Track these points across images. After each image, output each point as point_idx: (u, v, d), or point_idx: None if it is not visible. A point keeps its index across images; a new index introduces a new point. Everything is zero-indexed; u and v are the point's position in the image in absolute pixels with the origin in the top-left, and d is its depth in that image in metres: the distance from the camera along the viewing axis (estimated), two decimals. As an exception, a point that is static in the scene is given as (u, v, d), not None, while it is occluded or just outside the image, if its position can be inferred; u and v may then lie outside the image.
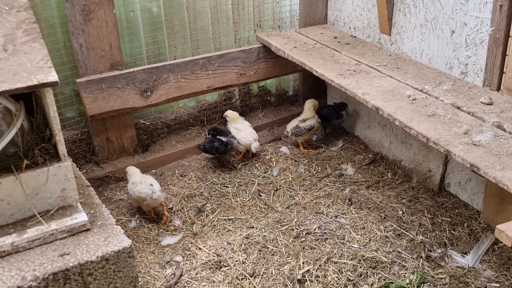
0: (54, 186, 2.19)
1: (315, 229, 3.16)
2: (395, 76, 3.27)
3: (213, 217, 3.38)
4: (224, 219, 3.37)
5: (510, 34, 2.80)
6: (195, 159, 4.05)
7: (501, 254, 2.95)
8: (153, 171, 3.89)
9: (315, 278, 2.78)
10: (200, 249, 3.06)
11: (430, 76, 3.25)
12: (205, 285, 2.76)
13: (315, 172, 3.87)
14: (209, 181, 3.78)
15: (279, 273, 2.83)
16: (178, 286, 2.77)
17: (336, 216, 3.31)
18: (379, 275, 2.80)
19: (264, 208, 3.47)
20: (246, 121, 4.09)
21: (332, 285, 2.73)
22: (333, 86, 3.27)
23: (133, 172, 3.39)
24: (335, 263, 2.88)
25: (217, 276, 2.83)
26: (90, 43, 3.44)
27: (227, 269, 2.87)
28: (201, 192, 3.64)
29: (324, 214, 3.33)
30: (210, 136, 3.89)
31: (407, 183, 3.71)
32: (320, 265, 2.86)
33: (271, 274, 2.83)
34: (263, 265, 2.89)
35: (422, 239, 3.07)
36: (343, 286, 2.72)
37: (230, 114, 4.05)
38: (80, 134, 3.75)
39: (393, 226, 3.20)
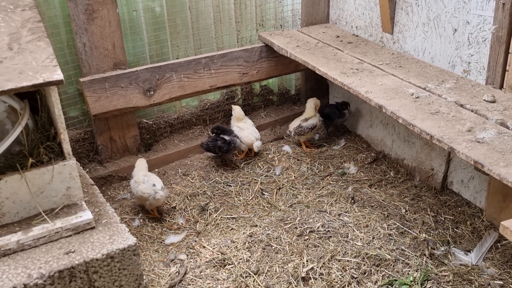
0: (59, 185, 2.19)
1: (318, 227, 3.17)
2: (398, 74, 3.28)
3: (216, 216, 3.39)
4: (228, 217, 3.38)
5: (513, 32, 2.81)
6: (198, 158, 4.06)
7: (504, 251, 2.96)
8: (156, 170, 3.89)
9: (319, 275, 2.78)
10: (204, 247, 3.06)
11: (433, 74, 3.25)
12: (209, 283, 2.77)
13: (317, 171, 3.88)
14: (212, 180, 3.78)
15: (283, 271, 2.84)
16: (182, 284, 2.78)
17: (339, 215, 3.32)
18: (383, 273, 2.80)
19: (267, 207, 3.48)
20: (249, 120, 4.10)
21: (336, 282, 2.74)
22: (335, 85, 3.28)
23: (139, 168, 3.40)
24: (339, 261, 2.89)
25: (222, 274, 2.83)
26: (94, 43, 3.45)
27: (231, 267, 2.87)
28: (204, 191, 3.65)
29: (327, 213, 3.33)
30: (213, 134, 3.89)
31: (410, 181, 3.72)
32: (324, 263, 2.86)
33: (275, 272, 2.83)
34: (267, 263, 2.90)
35: (425, 237, 3.08)
36: (347, 284, 2.73)
37: (238, 110, 4.05)
38: (84, 133, 3.76)
39: (396, 224, 3.21)
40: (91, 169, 3.72)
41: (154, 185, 3.23)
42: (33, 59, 2.05)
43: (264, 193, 3.63)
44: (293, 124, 4.14)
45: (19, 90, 1.90)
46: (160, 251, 3.07)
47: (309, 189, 3.65)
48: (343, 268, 2.83)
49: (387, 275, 2.79)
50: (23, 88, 1.90)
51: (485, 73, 3.04)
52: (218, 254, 2.98)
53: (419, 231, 3.14)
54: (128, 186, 3.68)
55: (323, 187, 3.66)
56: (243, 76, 4.16)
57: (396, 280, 2.74)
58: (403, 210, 3.35)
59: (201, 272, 2.86)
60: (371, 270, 2.82)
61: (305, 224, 3.21)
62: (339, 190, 3.61)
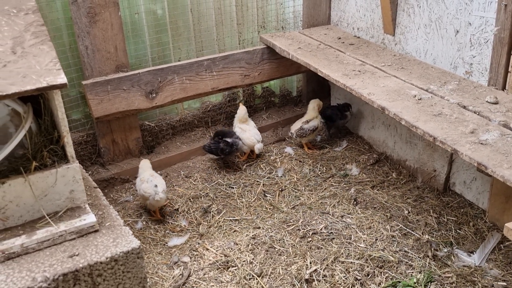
0: (62, 188, 2.19)
1: (321, 229, 3.17)
2: (400, 76, 3.28)
3: (219, 218, 3.39)
4: (230, 219, 3.38)
5: (515, 33, 2.81)
6: (200, 160, 4.06)
7: (507, 253, 2.95)
8: (158, 172, 3.89)
9: (322, 277, 2.78)
10: (207, 249, 3.06)
11: (435, 76, 3.25)
12: (213, 285, 2.77)
13: (320, 172, 3.88)
14: (214, 182, 3.78)
15: (287, 273, 2.84)
16: (186, 286, 2.78)
17: (342, 216, 3.32)
18: (386, 275, 2.80)
19: (269, 209, 3.48)
20: (252, 122, 4.10)
21: (340, 284, 2.73)
22: (337, 86, 3.28)
23: (144, 168, 3.42)
24: (342, 262, 2.89)
25: (225, 276, 2.83)
26: (96, 45, 3.45)
27: (235, 269, 2.87)
28: (207, 193, 3.65)
29: (330, 214, 3.33)
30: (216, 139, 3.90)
31: (412, 183, 3.71)
32: (327, 265, 2.86)
33: (279, 274, 2.83)
34: (271, 265, 2.90)
35: (428, 238, 3.08)
36: (350, 286, 2.73)
37: (243, 113, 4.03)
38: (86, 136, 3.76)
39: (399, 225, 3.21)
40: (93, 172, 3.72)
41: (156, 186, 3.24)
42: (37, 63, 2.06)
43: (266, 195, 3.63)
44: (295, 126, 4.14)
45: (23, 94, 1.90)
46: (163, 254, 3.07)
47: (312, 191, 3.65)
48: (346, 270, 2.83)
49: (390, 277, 2.79)
50: (27, 92, 1.91)
51: (487, 74, 3.05)
52: (222, 256, 2.98)
53: (422, 233, 3.14)
54: (130, 188, 3.69)
55: (325, 189, 3.66)
56: (245, 78, 4.16)
57: (399, 282, 2.74)
58: (406, 212, 3.35)
59: (204, 274, 2.86)
60: (374, 271, 2.82)
61: (308, 226, 3.21)
62: (342, 192, 3.61)
